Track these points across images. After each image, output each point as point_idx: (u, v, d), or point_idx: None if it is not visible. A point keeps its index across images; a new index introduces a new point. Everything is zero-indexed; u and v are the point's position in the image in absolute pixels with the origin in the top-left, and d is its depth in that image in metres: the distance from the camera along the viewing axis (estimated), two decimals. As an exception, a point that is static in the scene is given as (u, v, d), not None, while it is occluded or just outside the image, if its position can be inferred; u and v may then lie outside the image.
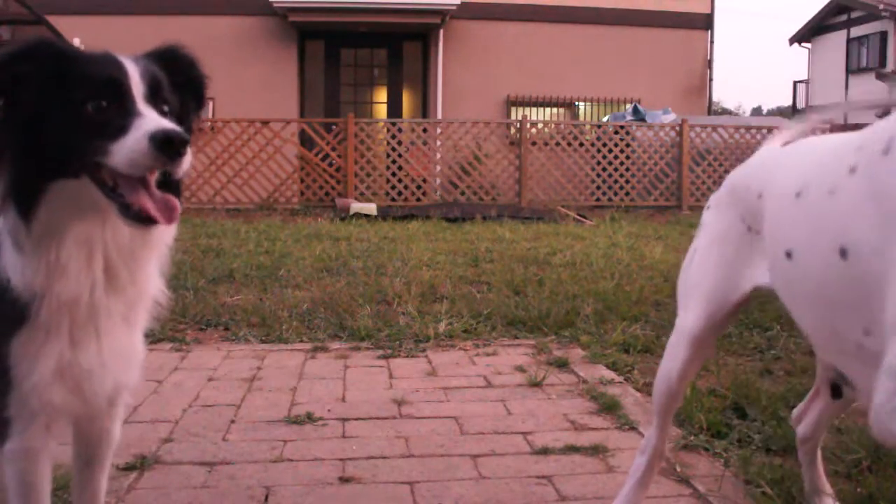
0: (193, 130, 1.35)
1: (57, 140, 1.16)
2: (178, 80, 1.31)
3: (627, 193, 11.19)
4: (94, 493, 1.50)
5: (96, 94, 1.16)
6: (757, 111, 56.45)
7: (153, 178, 1.18)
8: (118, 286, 1.26)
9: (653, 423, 1.75)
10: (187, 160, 1.15)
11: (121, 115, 1.15)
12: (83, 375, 1.28)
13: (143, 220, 1.16)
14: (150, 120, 1.14)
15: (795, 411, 1.91)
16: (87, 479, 1.49)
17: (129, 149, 1.12)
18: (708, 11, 14.57)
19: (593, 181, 11.25)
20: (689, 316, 1.62)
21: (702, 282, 1.62)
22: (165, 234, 1.29)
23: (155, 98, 1.20)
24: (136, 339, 1.37)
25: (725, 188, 1.67)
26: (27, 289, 1.20)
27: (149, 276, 1.31)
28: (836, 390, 1.77)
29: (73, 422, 1.42)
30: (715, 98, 24.38)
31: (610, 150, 11.16)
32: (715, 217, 1.67)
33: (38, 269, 1.19)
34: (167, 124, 1.14)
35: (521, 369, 3.15)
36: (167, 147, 1.11)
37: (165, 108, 1.22)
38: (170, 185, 1.24)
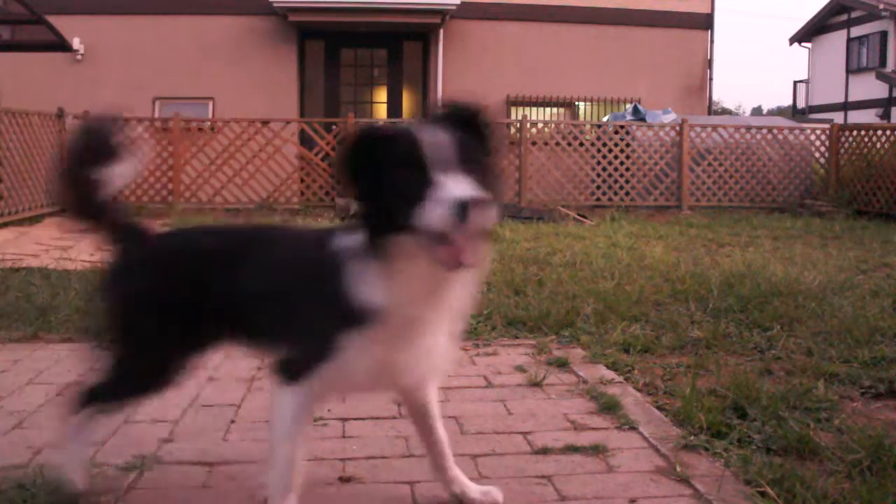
0: (492, 173, 1.54)
1: (385, 207, 1.47)
2: (472, 132, 1.53)
3: (627, 193, 11.18)
4: (438, 437, 1.92)
5: (404, 168, 1.44)
6: (757, 111, 56.45)
7: (465, 231, 1.41)
8: (440, 306, 1.60)
9: None
10: (480, 215, 1.39)
11: (425, 185, 1.41)
12: (393, 372, 1.66)
13: (447, 266, 1.45)
14: (447, 188, 1.40)
15: None
16: (428, 428, 1.92)
17: (432, 214, 1.40)
18: (708, 11, 14.57)
19: (593, 181, 11.24)
20: None
21: None
22: (472, 272, 1.55)
23: (454, 161, 1.44)
24: (448, 344, 1.70)
25: None
26: (376, 304, 1.56)
27: (461, 297, 1.63)
28: None
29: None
30: (715, 98, 24.38)
31: (610, 150, 11.16)
32: None
33: (387, 293, 1.55)
34: (459, 192, 1.38)
35: (521, 369, 3.15)
36: (460, 210, 1.37)
37: (466, 166, 1.45)
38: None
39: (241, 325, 1.85)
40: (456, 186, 1.39)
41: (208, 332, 1.88)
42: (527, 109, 13.73)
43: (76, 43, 12.32)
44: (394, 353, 1.62)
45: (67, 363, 3.18)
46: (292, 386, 1.67)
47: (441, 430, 1.93)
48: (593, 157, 11.22)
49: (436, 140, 1.45)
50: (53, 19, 10.28)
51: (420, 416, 1.92)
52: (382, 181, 1.48)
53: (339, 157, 1.53)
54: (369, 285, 1.56)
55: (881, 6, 24.84)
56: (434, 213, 1.39)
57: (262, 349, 1.91)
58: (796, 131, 11.77)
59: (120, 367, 1.88)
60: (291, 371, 1.67)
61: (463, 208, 1.37)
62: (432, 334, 1.64)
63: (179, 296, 1.82)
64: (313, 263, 1.69)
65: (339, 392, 1.76)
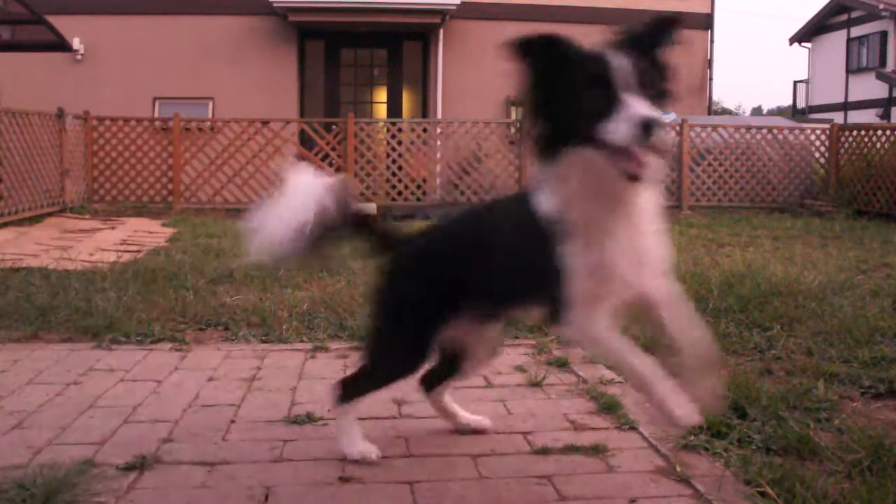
0: (666, 94, 1.69)
1: (566, 119, 1.62)
2: (652, 55, 1.67)
3: (627, 193, 11.17)
4: (668, 328, 1.93)
5: (592, 85, 1.58)
6: (757, 111, 56.43)
7: (645, 146, 1.56)
8: (622, 210, 1.72)
9: None
10: (661, 134, 1.54)
11: (610, 101, 1.56)
12: (608, 270, 1.77)
13: (629, 178, 1.60)
14: (630, 106, 1.54)
15: None
16: (658, 322, 1.95)
17: (616, 130, 1.54)
18: (708, 11, 14.57)
19: (593, 181, 11.22)
20: None
21: None
22: (655, 173, 1.66)
23: (635, 83, 1.58)
24: (648, 241, 1.80)
25: None
26: (558, 216, 1.73)
27: (643, 198, 1.74)
28: None
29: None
30: (715, 98, 24.36)
31: (610, 150, 11.14)
32: None
33: (561, 202, 1.72)
34: (642, 111, 1.53)
35: (521, 369, 3.15)
36: (643, 129, 1.52)
37: (645, 87, 1.59)
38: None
39: (485, 296, 2.06)
40: (640, 106, 1.54)
41: (453, 314, 2.11)
42: (527, 109, 13.71)
43: (76, 43, 12.32)
44: (605, 253, 1.75)
45: (67, 363, 3.18)
46: (577, 318, 1.82)
47: (680, 333, 1.93)
48: (593, 157, 11.21)
49: (621, 61, 1.59)
50: (53, 19, 10.27)
51: (648, 315, 1.96)
52: (569, 93, 1.61)
53: (516, 52, 1.67)
54: (556, 200, 1.73)
55: (881, 6, 24.84)
56: (620, 129, 1.54)
57: (509, 309, 2.13)
58: (796, 131, 11.77)
59: (385, 358, 2.19)
60: (562, 311, 1.83)
61: (645, 126, 1.52)
62: (632, 233, 1.76)
63: (436, 291, 2.06)
64: (515, 211, 1.91)
65: (604, 300, 1.82)
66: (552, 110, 1.65)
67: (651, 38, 1.68)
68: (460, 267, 2.04)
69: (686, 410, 1.80)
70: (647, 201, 1.77)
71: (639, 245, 1.78)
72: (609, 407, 2.67)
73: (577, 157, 1.64)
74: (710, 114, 15.19)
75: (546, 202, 1.76)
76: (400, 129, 11.00)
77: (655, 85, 1.64)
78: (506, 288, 1.98)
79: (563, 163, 1.66)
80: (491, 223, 2.03)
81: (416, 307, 2.10)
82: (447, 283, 2.05)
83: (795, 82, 31.12)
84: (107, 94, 12.24)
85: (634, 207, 1.74)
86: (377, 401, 2.75)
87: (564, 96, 1.62)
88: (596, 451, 2.30)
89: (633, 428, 2.50)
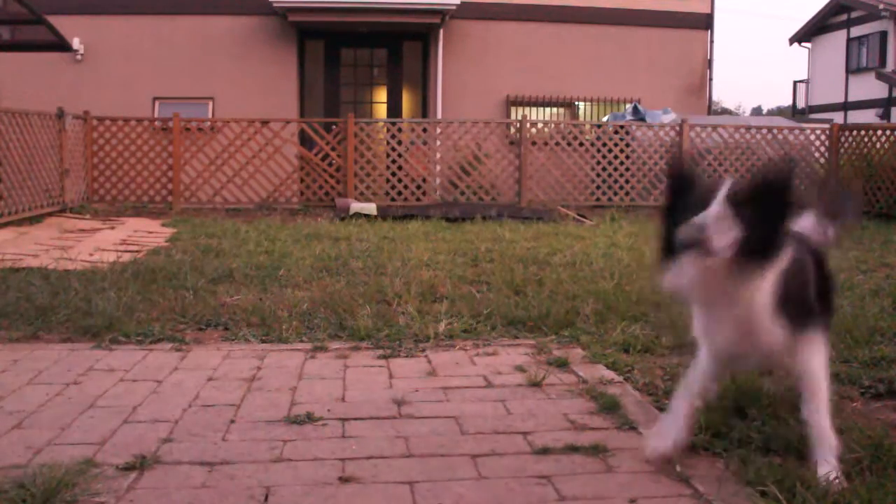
0: (780, 233, 2.00)
1: (675, 221, 2.00)
2: (764, 199, 1.98)
3: (627, 193, 11.18)
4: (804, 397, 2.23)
5: (693, 200, 1.97)
6: (757, 111, 56.38)
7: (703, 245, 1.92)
8: (728, 293, 2.04)
9: None
10: (719, 241, 1.90)
11: (694, 212, 1.93)
12: (725, 342, 2.18)
13: (701, 255, 1.96)
14: (700, 217, 1.90)
15: None
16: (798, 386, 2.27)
17: (683, 230, 1.92)
18: (708, 11, 14.56)
19: (593, 181, 11.23)
20: None
21: None
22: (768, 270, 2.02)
23: (721, 204, 1.92)
24: (758, 318, 2.08)
25: None
26: (680, 290, 2.13)
27: (758, 289, 2.05)
28: None
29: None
30: (715, 98, 24.36)
31: (610, 150, 11.15)
32: None
33: (688, 283, 2.07)
34: (700, 219, 1.89)
35: (521, 369, 3.15)
36: (698, 230, 1.89)
37: (739, 213, 1.93)
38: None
39: None
40: (703, 217, 1.91)
41: None
42: (527, 109, 13.72)
43: (76, 43, 12.32)
44: (713, 319, 2.17)
45: (67, 363, 3.18)
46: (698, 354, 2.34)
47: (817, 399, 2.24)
48: (593, 157, 11.22)
49: (718, 190, 1.96)
50: (53, 19, 10.27)
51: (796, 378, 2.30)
52: (682, 205, 2.03)
53: (666, 185, 2.16)
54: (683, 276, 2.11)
55: (881, 6, 24.82)
56: (683, 230, 1.93)
57: None
58: (796, 131, 11.77)
59: None
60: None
61: (699, 229, 1.90)
62: (734, 309, 2.09)
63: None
64: None
65: (717, 354, 2.29)
66: (674, 217, 2.05)
67: (765, 191, 1.98)
68: None
69: (657, 443, 2.23)
70: (754, 286, 2.06)
71: (742, 316, 2.09)
72: (609, 407, 2.67)
73: (678, 246, 2.02)
74: (710, 114, 15.19)
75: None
76: (400, 129, 11.00)
77: (752, 213, 1.95)
78: None
79: (679, 261, 2.04)
80: None
81: None
82: None
83: (795, 82, 31.09)
84: (107, 94, 12.24)
85: (742, 291, 2.04)
86: (377, 401, 2.75)
87: (679, 207, 2.03)
88: (596, 451, 2.30)
89: (633, 428, 2.50)
